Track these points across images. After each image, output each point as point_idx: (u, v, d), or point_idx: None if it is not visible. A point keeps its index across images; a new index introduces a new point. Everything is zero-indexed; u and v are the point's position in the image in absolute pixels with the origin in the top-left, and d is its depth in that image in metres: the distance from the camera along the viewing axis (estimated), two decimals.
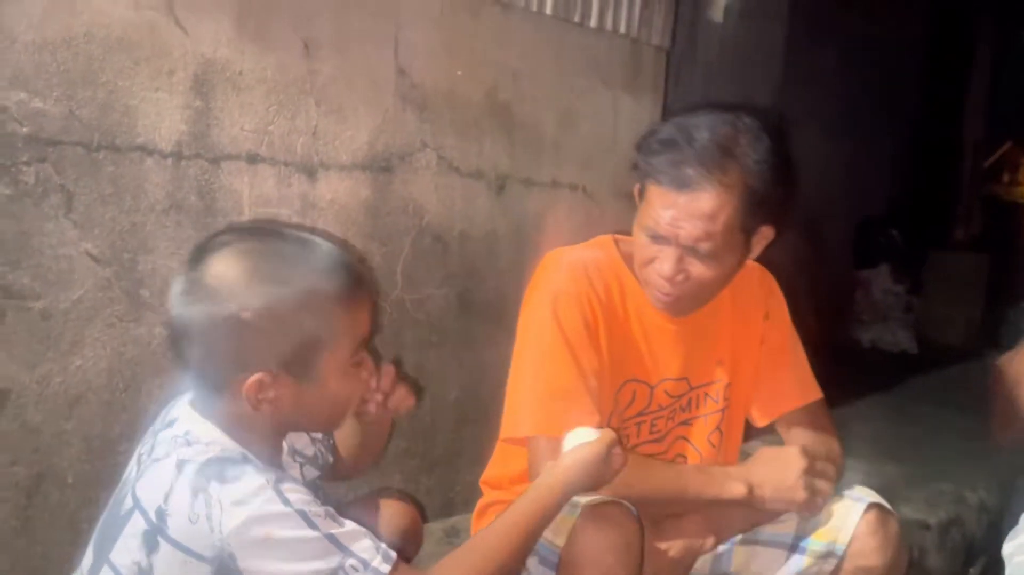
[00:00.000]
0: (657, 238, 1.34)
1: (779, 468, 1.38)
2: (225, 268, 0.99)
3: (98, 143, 1.45)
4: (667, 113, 2.64)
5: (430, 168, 1.99)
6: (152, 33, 1.50)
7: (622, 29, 2.36)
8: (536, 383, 1.37)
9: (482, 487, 1.57)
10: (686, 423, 1.51)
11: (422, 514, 1.51)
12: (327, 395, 1.05)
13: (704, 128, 1.32)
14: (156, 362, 1.56)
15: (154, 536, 0.97)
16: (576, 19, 2.24)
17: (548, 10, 2.16)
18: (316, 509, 0.97)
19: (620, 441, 1.23)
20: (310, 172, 1.76)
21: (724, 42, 3.85)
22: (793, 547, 1.46)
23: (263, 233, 1.08)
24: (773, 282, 1.58)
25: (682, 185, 1.30)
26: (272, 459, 1.08)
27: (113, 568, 1.01)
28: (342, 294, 1.02)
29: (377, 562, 0.98)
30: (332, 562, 0.96)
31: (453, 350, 2.09)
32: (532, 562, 1.29)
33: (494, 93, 2.10)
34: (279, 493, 0.95)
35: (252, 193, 1.67)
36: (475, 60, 2.05)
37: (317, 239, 1.07)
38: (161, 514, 0.97)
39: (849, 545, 1.41)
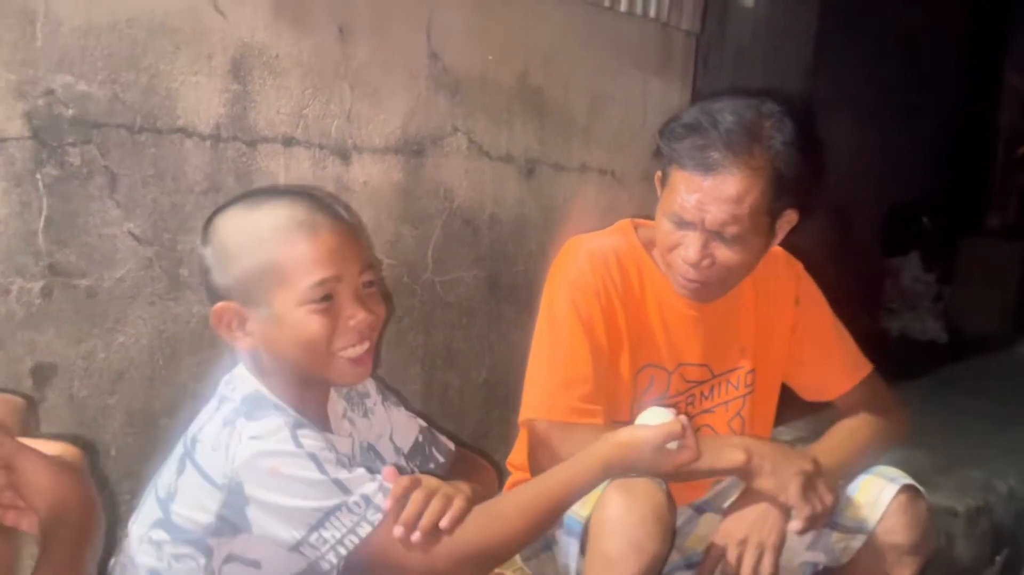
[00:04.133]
0: (682, 223, 1.35)
1: (784, 452, 1.35)
2: (212, 219, 1.10)
3: (140, 125, 1.49)
4: (696, 97, 2.64)
5: (461, 152, 2.01)
6: (192, 17, 1.53)
7: (652, 13, 2.37)
8: (551, 370, 1.39)
9: (509, 468, 1.60)
10: (709, 411, 1.52)
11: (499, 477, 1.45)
12: (287, 330, 1.05)
13: (729, 112, 1.32)
14: (195, 340, 1.61)
15: (184, 460, 1.05)
16: (607, 3, 2.25)
17: None
18: (328, 455, 1.02)
19: (690, 434, 1.16)
20: (344, 155, 1.79)
21: (755, 27, 3.83)
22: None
23: (261, 189, 1.20)
24: (799, 267, 1.58)
25: (708, 169, 1.30)
26: (303, 410, 1.09)
27: (155, 488, 1.09)
28: (295, 229, 1.05)
29: (379, 499, 1.01)
30: (333, 501, 0.99)
31: (482, 332, 2.12)
32: (559, 533, 1.31)
33: (525, 77, 2.12)
34: (294, 436, 1.01)
35: (288, 175, 1.70)
36: (507, 44, 2.06)
37: (306, 190, 1.14)
38: (194, 440, 1.05)
39: (879, 523, 1.41)
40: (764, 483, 1.32)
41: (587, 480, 1.11)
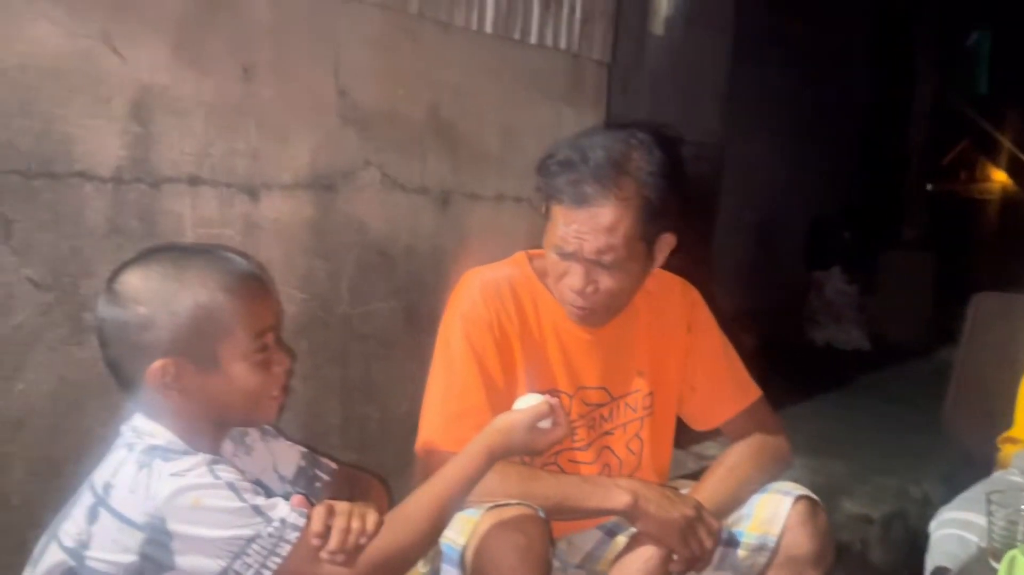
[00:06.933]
0: (565, 255, 1.41)
1: (669, 496, 1.42)
2: (128, 276, 1.14)
3: (35, 170, 1.47)
4: (611, 125, 2.71)
5: (373, 185, 2.03)
6: (87, 61, 1.53)
7: (563, 45, 2.42)
8: (444, 402, 1.44)
9: None
10: (609, 433, 1.57)
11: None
12: (233, 383, 1.14)
13: (598, 147, 1.39)
14: (100, 384, 1.58)
15: (96, 508, 1.07)
16: (516, 36, 2.30)
17: (488, 28, 2.21)
18: (244, 483, 1.09)
19: (559, 412, 1.25)
20: (252, 193, 1.80)
21: (671, 54, 3.94)
22: (728, 542, 1.51)
23: (166, 246, 1.24)
24: (696, 295, 1.64)
25: (581, 202, 1.37)
26: (212, 451, 1.17)
27: (59, 542, 1.10)
28: (231, 285, 1.14)
29: (294, 518, 1.08)
30: (254, 528, 1.06)
31: (401, 363, 2.13)
32: (438, 560, 1.34)
33: (436, 110, 2.15)
34: (211, 470, 1.08)
35: (194, 215, 1.70)
36: (416, 79, 2.09)
37: (215, 248, 1.21)
38: (107, 487, 1.08)
39: (781, 537, 1.47)
40: (648, 526, 1.40)
41: (476, 468, 1.20)
